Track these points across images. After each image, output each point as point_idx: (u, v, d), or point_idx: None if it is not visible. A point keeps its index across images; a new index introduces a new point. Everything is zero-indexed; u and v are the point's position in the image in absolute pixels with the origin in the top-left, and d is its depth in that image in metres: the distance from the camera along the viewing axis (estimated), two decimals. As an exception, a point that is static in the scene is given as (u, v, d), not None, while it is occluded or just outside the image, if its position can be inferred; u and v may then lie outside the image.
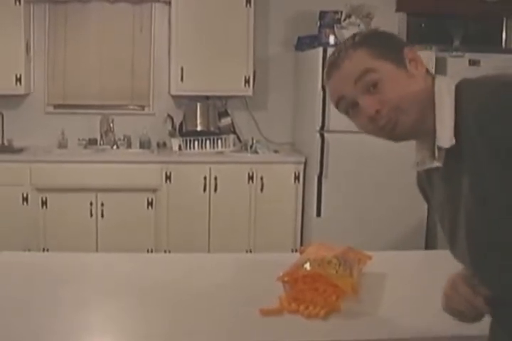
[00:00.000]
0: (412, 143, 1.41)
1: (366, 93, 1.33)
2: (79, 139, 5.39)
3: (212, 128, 5.34)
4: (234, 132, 5.47)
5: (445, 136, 1.29)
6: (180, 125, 5.38)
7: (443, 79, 1.36)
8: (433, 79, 1.36)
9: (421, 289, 1.57)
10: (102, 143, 5.40)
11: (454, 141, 1.28)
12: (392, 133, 1.35)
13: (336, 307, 1.73)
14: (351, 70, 1.34)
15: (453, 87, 1.32)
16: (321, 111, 4.75)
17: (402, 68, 1.33)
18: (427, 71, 1.37)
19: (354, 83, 1.33)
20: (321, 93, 4.68)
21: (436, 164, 1.34)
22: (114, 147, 5.38)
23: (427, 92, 1.33)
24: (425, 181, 1.48)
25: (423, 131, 1.34)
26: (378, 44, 1.35)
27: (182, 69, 5.16)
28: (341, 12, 5.03)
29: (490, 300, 1.32)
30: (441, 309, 1.41)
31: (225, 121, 5.40)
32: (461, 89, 1.31)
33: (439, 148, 1.31)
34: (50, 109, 5.49)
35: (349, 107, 1.37)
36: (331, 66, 1.38)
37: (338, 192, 4.93)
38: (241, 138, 5.51)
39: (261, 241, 5.09)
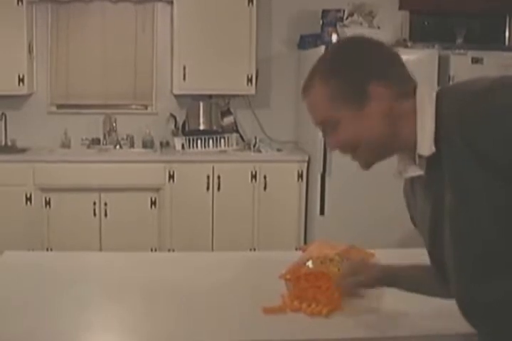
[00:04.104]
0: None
1: (327, 133, 1.42)
2: (82, 139, 5.39)
3: (215, 127, 5.34)
4: (237, 131, 5.47)
5: (425, 145, 1.31)
6: (183, 124, 5.39)
7: (425, 87, 1.37)
8: (414, 89, 1.36)
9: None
10: (105, 142, 5.41)
11: (433, 149, 1.29)
12: (357, 161, 1.43)
13: (338, 305, 1.73)
14: (313, 113, 1.41)
15: (434, 96, 1.33)
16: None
17: (359, 112, 1.35)
18: (397, 96, 1.35)
19: (317, 123, 1.42)
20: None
21: (418, 172, 1.36)
22: (117, 147, 5.38)
23: (384, 129, 1.35)
24: (409, 189, 1.49)
25: (397, 149, 1.39)
26: (340, 81, 1.36)
27: (184, 68, 5.16)
28: (344, 10, 5.03)
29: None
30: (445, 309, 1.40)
31: (228, 120, 5.40)
32: (442, 98, 1.31)
33: (420, 156, 1.33)
34: (53, 108, 5.49)
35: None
36: (302, 90, 1.44)
37: (341, 191, 4.93)
38: (244, 137, 5.50)
39: (264, 239, 5.09)
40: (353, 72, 1.36)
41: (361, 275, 1.64)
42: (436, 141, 1.29)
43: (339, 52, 1.41)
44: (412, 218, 1.55)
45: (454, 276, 1.33)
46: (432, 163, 1.32)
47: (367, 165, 1.43)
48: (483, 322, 1.31)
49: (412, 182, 1.44)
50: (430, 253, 1.46)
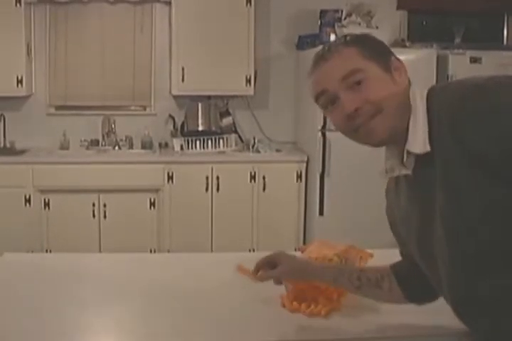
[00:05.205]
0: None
1: (349, 89, 1.33)
2: (81, 140, 5.39)
3: (213, 128, 5.34)
4: (235, 132, 5.47)
5: (418, 142, 1.29)
6: (182, 125, 5.39)
7: (416, 86, 1.37)
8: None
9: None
10: (103, 143, 5.41)
11: (428, 148, 1.27)
12: (367, 135, 1.34)
13: (337, 306, 1.73)
14: (340, 66, 1.34)
15: (425, 94, 1.33)
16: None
17: (387, 73, 1.34)
18: (409, 82, 1.38)
19: (340, 79, 1.33)
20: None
21: (405, 172, 1.34)
22: (116, 148, 5.38)
23: (407, 99, 1.33)
24: (392, 188, 1.48)
25: (396, 138, 1.34)
26: (369, 46, 1.36)
27: (183, 69, 5.16)
28: (342, 11, 5.03)
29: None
30: (440, 305, 1.41)
31: (227, 121, 5.41)
32: (433, 96, 1.31)
33: (409, 153, 1.31)
34: (52, 110, 5.50)
35: (329, 102, 1.37)
36: (318, 59, 1.38)
37: (340, 191, 4.93)
38: (243, 138, 5.50)
39: (264, 240, 5.08)
40: (378, 45, 1.38)
41: (279, 267, 1.65)
42: (428, 139, 1.28)
43: (356, 34, 1.43)
44: (389, 217, 1.55)
45: (447, 274, 1.33)
46: (422, 161, 1.30)
47: (381, 136, 1.33)
48: (479, 321, 1.31)
49: (397, 181, 1.43)
50: (415, 253, 1.45)
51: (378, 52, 1.36)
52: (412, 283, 1.53)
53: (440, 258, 1.33)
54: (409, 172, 1.34)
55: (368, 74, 1.32)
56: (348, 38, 1.39)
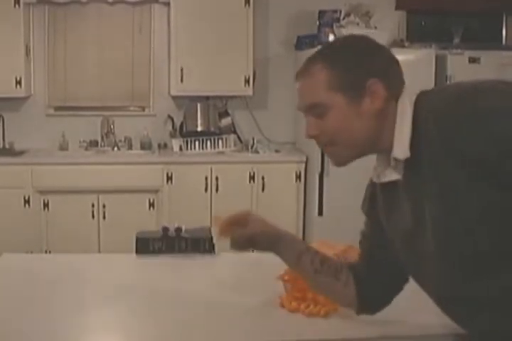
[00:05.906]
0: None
1: (313, 116, 1.40)
2: (80, 141, 5.38)
3: (212, 129, 5.34)
4: (234, 132, 5.47)
5: (401, 148, 1.31)
6: (181, 125, 5.39)
7: (408, 92, 1.37)
8: (396, 101, 1.36)
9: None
10: (103, 144, 5.40)
11: (408, 154, 1.30)
12: (329, 157, 1.46)
13: (336, 306, 1.73)
14: (307, 94, 1.40)
15: (413, 99, 1.34)
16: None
17: (353, 104, 1.35)
18: (389, 97, 1.36)
19: (307, 107, 1.41)
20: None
21: (395, 177, 1.36)
22: (115, 148, 5.37)
23: (371, 128, 1.36)
24: (381, 198, 1.47)
25: (376, 150, 1.39)
26: (343, 70, 1.36)
27: (182, 69, 5.17)
28: (340, 11, 5.03)
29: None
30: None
31: (226, 121, 5.41)
32: (422, 100, 1.31)
33: (396, 160, 1.33)
34: (51, 111, 5.50)
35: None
36: (299, 72, 1.43)
37: (339, 191, 4.93)
38: (242, 138, 5.50)
39: (263, 240, 5.07)
40: (356, 65, 1.37)
41: (249, 226, 1.62)
42: (417, 143, 1.28)
43: (348, 43, 1.43)
44: (369, 216, 1.55)
45: (441, 275, 1.33)
46: (411, 165, 1.31)
47: (341, 162, 1.44)
48: (476, 321, 1.31)
49: (384, 186, 1.43)
50: (401, 253, 1.45)
51: (352, 76, 1.36)
52: (368, 287, 1.55)
53: (429, 259, 1.33)
54: (399, 177, 1.35)
55: (329, 106, 1.36)
56: (327, 51, 1.42)
